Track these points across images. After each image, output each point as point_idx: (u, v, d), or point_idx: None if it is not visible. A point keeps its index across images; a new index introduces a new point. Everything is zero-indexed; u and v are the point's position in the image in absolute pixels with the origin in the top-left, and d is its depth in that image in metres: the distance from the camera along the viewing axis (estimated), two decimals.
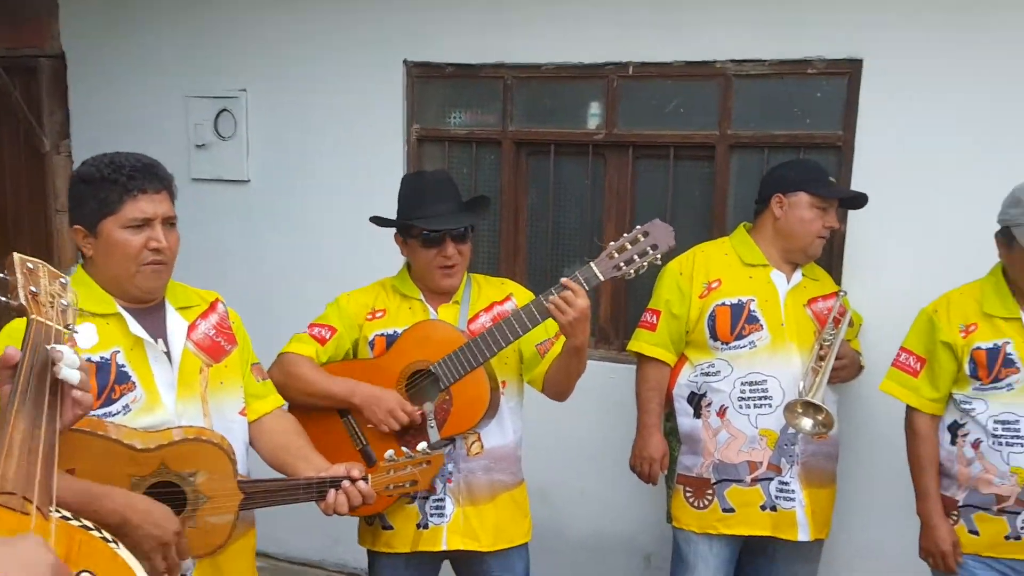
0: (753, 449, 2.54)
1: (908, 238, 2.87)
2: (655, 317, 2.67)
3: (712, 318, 2.57)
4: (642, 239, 2.09)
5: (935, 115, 2.81)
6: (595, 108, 3.28)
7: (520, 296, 2.39)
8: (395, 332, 2.28)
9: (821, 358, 2.50)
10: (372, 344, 2.31)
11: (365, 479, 1.93)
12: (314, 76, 3.53)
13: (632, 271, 2.09)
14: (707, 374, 2.60)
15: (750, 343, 2.54)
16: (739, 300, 2.56)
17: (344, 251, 3.53)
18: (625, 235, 2.10)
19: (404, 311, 2.32)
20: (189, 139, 3.72)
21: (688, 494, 2.64)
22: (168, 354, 1.83)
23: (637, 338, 2.71)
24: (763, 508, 2.54)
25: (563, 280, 2.06)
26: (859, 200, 2.63)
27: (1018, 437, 2.15)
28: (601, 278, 2.09)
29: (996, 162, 2.71)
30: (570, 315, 2.04)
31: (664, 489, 2.82)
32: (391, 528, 2.30)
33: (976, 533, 2.25)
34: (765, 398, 2.53)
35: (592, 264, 2.10)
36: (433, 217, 2.24)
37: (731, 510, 2.56)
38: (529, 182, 3.45)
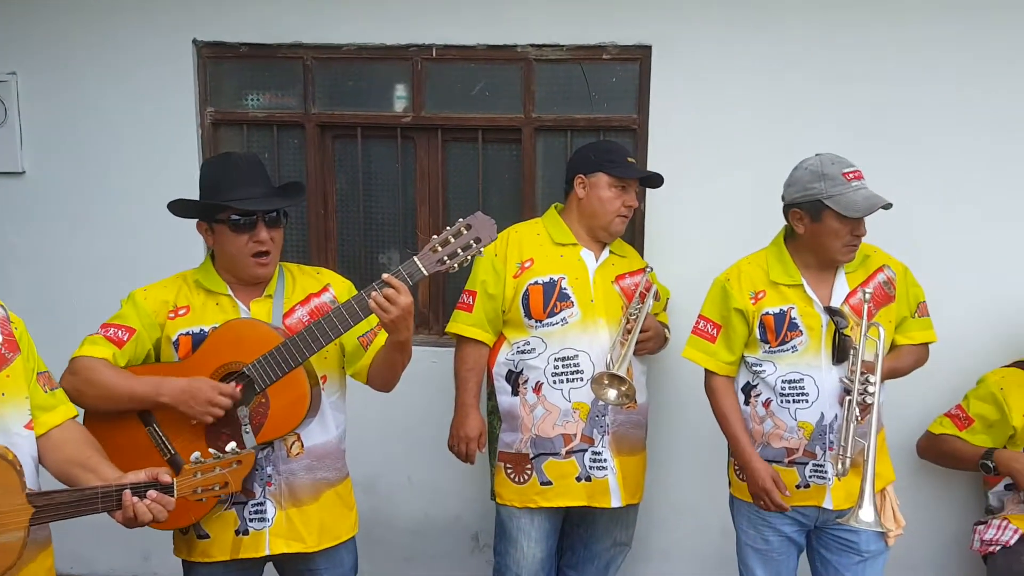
0: (567, 422, 2.66)
1: (701, 213, 3.10)
2: (471, 298, 2.71)
3: (526, 297, 2.65)
4: (465, 232, 2.08)
5: (720, 97, 3.04)
6: (401, 90, 3.25)
7: (337, 286, 2.34)
8: (202, 330, 2.16)
9: (627, 332, 2.65)
10: (176, 344, 2.17)
11: (169, 489, 1.81)
12: (94, 57, 3.26)
13: (456, 264, 2.08)
14: (523, 352, 2.68)
15: (562, 320, 2.64)
16: (551, 278, 2.66)
17: (136, 245, 3.31)
18: (448, 228, 2.09)
19: (211, 308, 2.19)
20: None
21: (509, 470, 2.72)
22: None
23: (455, 320, 2.75)
24: (578, 479, 2.67)
25: (385, 277, 2.03)
26: (655, 180, 2.80)
27: (803, 394, 2.38)
28: (425, 273, 2.07)
29: (776, 139, 2.98)
30: (393, 313, 2.02)
31: (488, 467, 2.89)
32: (207, 537, 2.19)
33: None
34: (577, 372, 2.64)
35: (415, 259, 2.07)
36: (244, 200, 2.13)
37: (549, 483, 2.67)
38: (336, 166, 3.38)
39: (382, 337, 2.26)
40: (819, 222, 2.32)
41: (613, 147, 2.80)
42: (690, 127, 3.06)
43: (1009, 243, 2.99)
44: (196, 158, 3.27)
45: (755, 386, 2.46)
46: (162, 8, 3.20)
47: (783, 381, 2.39)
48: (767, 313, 2.40)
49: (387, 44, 3.16)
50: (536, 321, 2.66)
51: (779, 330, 2.40)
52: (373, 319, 2.22)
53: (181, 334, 2.17)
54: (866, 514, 2.17)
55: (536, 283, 2.66)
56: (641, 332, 2.66)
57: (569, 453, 2.66)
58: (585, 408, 2.64)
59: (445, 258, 2.07)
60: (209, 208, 2.16)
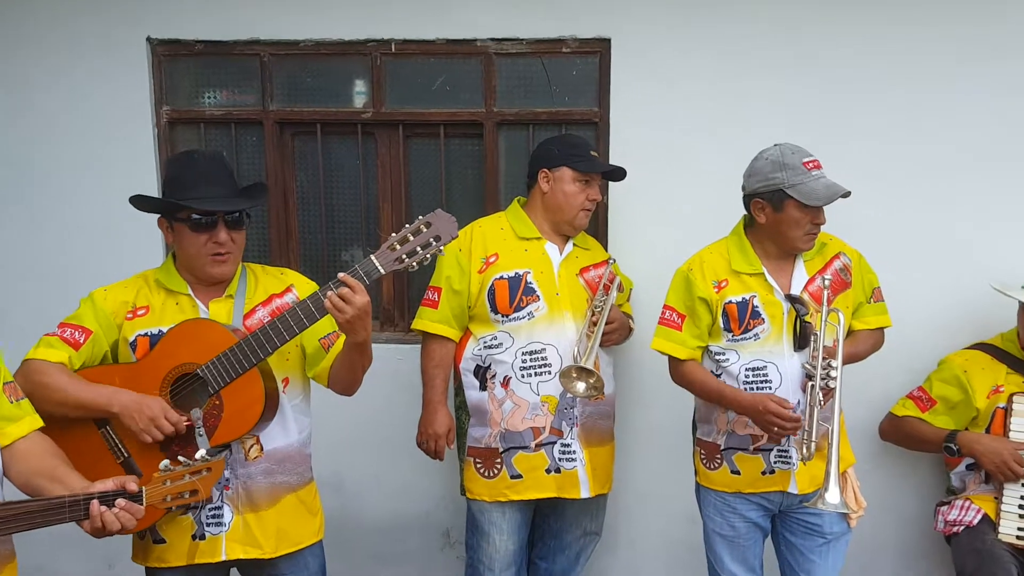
0: (536, 416, 2.67)
1: (664, 205, 3.13)
2: (436, 294, 2.71)
3: (492, 292, 2.66)
4: (424, 230, 2.06)
5: (680, 89, 3.07)
6: (360, 86, 3.24)
7: (301, 287, 2.31)
8: (160, 331, 2.14)
9: (593, 324, 2.67)
10: (134, 346, 2.14)
11: (138, 497, 1.79)
12: (43, 56, 3.20)
13: (415, 263, 2.06)
14: (490, 347, 2.69)
15: (528, 314, 2.66)
16: (516, 273, 2.67)
17: (91, 246, 3.26)
18: (407, 226, 2.07)
19: (171, 308, 2.17)
20: None
21: (478, 464, 2.73)
22: None
23: (420, 316, 2.75)
24: (548, 471, 2.68)
25: (340, 276, 2.01)
26: (618, 173, 2.82)
27: (766, 382, 2.42)
28: (383, 271, 2.05)
29: (735, 130, 3.02)
30: (348, 313, 1.99)
31: (458, 463, 2.89)
32: (163, 542, 2.17)
33: (738, 473, 2.50)
34: (545, 366, 2.66)
35: (373, 257, 2.05)
36: (205, 199, 2.11)
37: (519, 476, 2.69)
38: (296, 163, 3.35)
39: (343, 339, 2.24)
40: (781, 211, 2.35)
41: (577, 141, 2.82)
42: (651, 119, 3.09)
43: (965, 227, 3.05)
44: (153, 158, 3.23)
45: (719, 375, 2.49)
46: (114, 6, 3.16)
47: (747, 369, 2.43)
48: (730, 302, 2.44)
49: (345, 39, 3.15)
50: (502, 316, 2.66)
51: (742, 318, 2.43)
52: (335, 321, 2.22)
53: (139, 335, 2.14)
54: (832, 496, 2.21)
55: (501, 278, 2.67)
56: (606, 324, 2.68)
57: (539, 446, 2.68)
58: (554, 401, 2.66)
59: (404, 256, 2.05)
60: (169, 206, 2.13)
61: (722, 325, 2.45)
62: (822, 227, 2.40)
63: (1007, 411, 2.71)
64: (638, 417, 3.21)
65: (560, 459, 2.68)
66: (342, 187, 3.35)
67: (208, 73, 3.26)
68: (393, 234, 2.08)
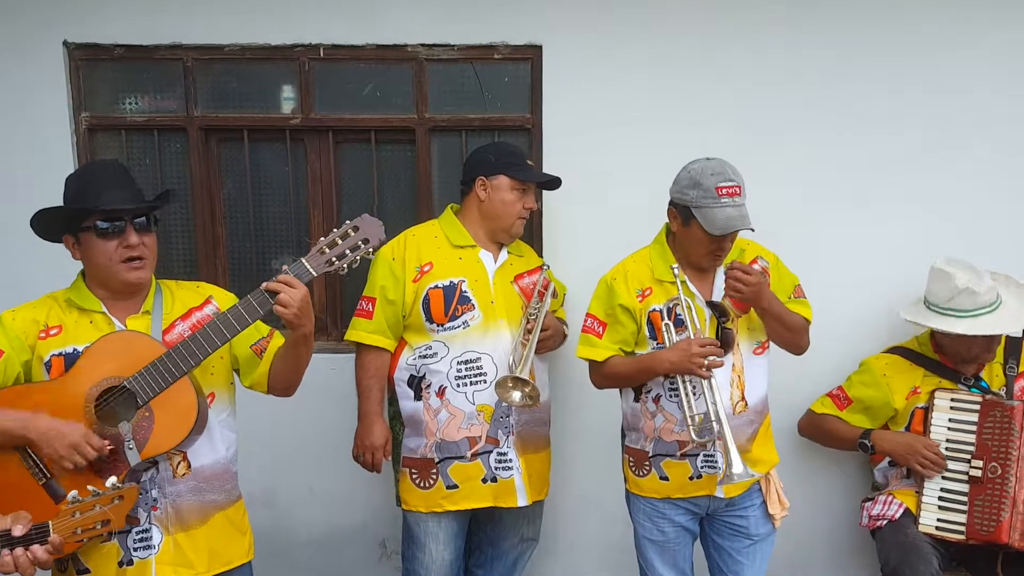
0: (472, 425, 2.71)
1: (596, 211, 3.21)
2: (371, 304, 2.74)
3: (426, 301, 2.69)
4: (352, 234, 2.11)
5: (610, 95, 3.16)
6: (288, 91, 3.25)
7: (220, 298, 2.31)
8: (75, 350, 2.10)
9: (528, 331, 2.73)
10: (48, 366, 2.10)
11: (44, 531, 1.76)
12: None
13: (345, 266, 2.12)
14: (425, 356, 2.72)
15: (463, 323, 2.70)
16: (451, 282, 2.71)
17: (4, 259, 3.19)
18: (335, 230, 2.13)
19: (84, 326, 2.13)
20: None
21: (414, 475, 2.77)
22: None
23: (354, 327, 2.77)
24: (484, 481, 2.73)
25: (280, 278, 2.05)
26: (555, 183, 2.88)
27: (696, 388, 2.45)
28: (314, 274, 2.10)
29: (662, 136, 3.13)
30: (294, 307, 2.04)
31: (393, 474, 2.92)
32: (88, 572, 2.13)
33: (666, 479, 2.56)
34: (480, 375, 2.70)
35: (303, 260, 2.10)
36: (108, 202, 2.08)
37: (455, 486, 2.73)
38: (223, 171, 3.34)
39: (277, 341, 2.27)
40: (687, 227, 2.43)
41: (513, 149, 2.87)
42: (582, 125, 3.17)
43: (886, 230, 3.20)
44: (72, 166, 3.18)
45: (650, 389, 2.55)
46: (28, 8, 3.09)
47: (672, 376, 2.48)
48: (654, 310, 2.50)
49: (272, 44, 3.15)
50: (438, 325, 2.70)
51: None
52: (263, 327, 2.23)
53: (53, 355, 2.10)
54: (736, 467, 2.32)
55: (436, 287, 2.70)
56: (542, 331, 2.73)
57: (475, 455, 2.72)
58: (489, 410, 2.71)
59: (333, 259, 2.11)
60: (73, 218, 2.09)
61: (647, 334, 2.51)
62: (728, 250, 2.46)
63: (928, 408, 2.86)
64: (575, 422, 3.29)
65: (496, 468, 2.73)
66: (271, 194, 3.35)
67: (129, 78, 3.22)
68: (322, 238, 2.14)
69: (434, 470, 2.74)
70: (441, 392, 2.71)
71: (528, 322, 2.74)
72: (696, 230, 2.40)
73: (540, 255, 3.20)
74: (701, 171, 2.39)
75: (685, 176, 2.44)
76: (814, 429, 3.11)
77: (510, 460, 2.74)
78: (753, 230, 2.38)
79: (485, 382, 2.70)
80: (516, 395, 2.62)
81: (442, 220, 2.86)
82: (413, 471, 2.77)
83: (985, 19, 3.07)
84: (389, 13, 3.11)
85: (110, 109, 3.23)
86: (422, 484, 2.76)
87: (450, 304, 2.70)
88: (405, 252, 2.75)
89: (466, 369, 2.70)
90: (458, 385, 2.70)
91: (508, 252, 2.84)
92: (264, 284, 2.06)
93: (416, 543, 2.83)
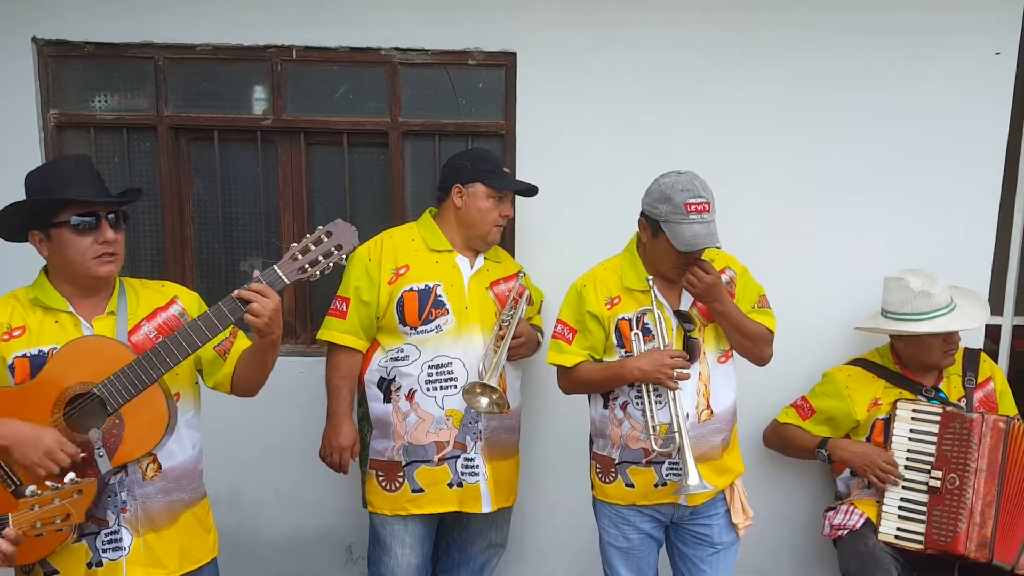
0: (440, 429, 2.74)
1: (570, 217, 3.25)
2: (344, 304, 2.74)
3: (400, 303, 2.71)
4: (326, 239, 2.11)
5: (584, 103, 3.19)
6: (260, 92, 3.25)
7: (185, 297, 2.31)
8: (41, 352, 2.09)
9: (500, 338, 2.75)
10: (12, 369, 2.08)
11: (4, 523, 1.76)
12: None
13: (317, 272, 2.12)
14: (396, 359, 2.74)
15: (436, 327, 2.72)
16: (426, 285, 2.72)
17: None
18: (308, 235, 2.12)
19: (49, 326, 2.12)
20: None
21: (380, 478, 2.79)
22: None
23: (327, 326, 2.77)
24: (450, 485, 2.76)
25: (252, 286, 2.05)
26: (531, 191, 2.91)
27: (661, 398, 2.50)
28: (286, 281, 2.09)
29: (635, 144, 3.17)
30: (265, 317, 2.05)
31: (360, 476, 2.94)
32: (56, 573, 2.14)
33: (632, 486, 2.58)
34: (451, 380, 2.72)
35: (276, 267, 2.09)
36: (84, 195, 2.07)
37: (420, 490, 2.75)
38: (193, 171, 3.33)
39: (241, 342, 2.28)
40: (656, 239, 2.47)
41: (489, 156, 2.89)
42: (556, 132, 3.20)
43: (849, 242, 3.27)
44: (39, 163, 3.13)
45: (616, 396, 2.58)
46: None
47: (639, 384, 2.51)
48: (623, 319, 2.53)
49: (244, 45, 3.15)
50: (411, 328, 2.71)
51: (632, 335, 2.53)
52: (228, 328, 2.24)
53: (16, 357, 2.08)
54: (692, 479, 2.37)
55: (411, 290, 2.72)
56: (514, 338, 2.76)
57: (442, 460, 2.74)
58: (458, 415, 2.73)
59: (306, 266, 2.11)
60: (44, 212, 2.07)
61: (615, 342, 2.54)
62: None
63: (889, 419, 2.92)
64: (545, 428, 3.33)
65: (463, 473, 2.76)
66: (241, 195, 3.35)
67: (99, 76, 3.20)
68: (294, 244, 2.13)
69: (400, 473, 2.75)
70: (411, 395, 2.73)
71: (500, 329, 2.77)
72: (664, 243, 2.44)
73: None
74: (671, 186, 2.41)
75: (656, 189, 2.47)
76: (777, 439, 3.18)
77: (477, 466, 2.76)
78: (719, 247, 2.42)
79: (455, 387, 2.72)
80: (483, 401, 2.65)
81: (420, 223, 2.87)
82: (380, 473, 2.78)
83: (946, 38, 3.15)
84: (363, 16, 3.12)
85: (79, 107, 3.21)
86: (388, 487, 2.77)
87: (424, 307, 2.71)
88: (382, 254, 2.76)
89: (437, 373, 2.72)
90: (428, 389, 2.72)
91: (485, 258, 2.86)
92: (236, 292, 2.06)
93: (382, 546, 2.85)
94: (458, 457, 2.75)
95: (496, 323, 2.78)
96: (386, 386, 2.76)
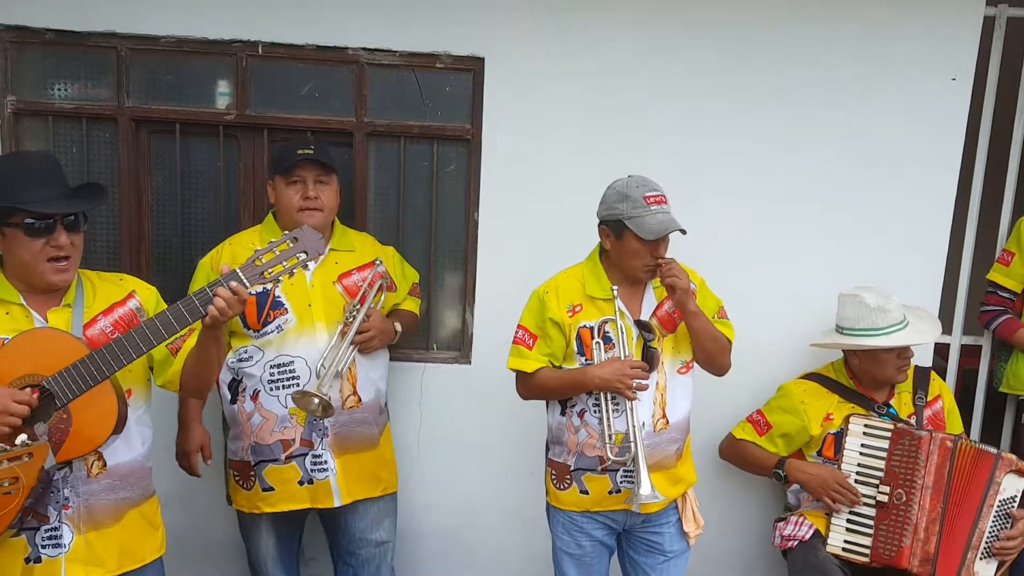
0: (285, 428, 2.79)
1: (531, 222, 3.29)
2: None
3: None
4: (291, 245, 2.13)
5: (550, 110, 3.24)
6: (224, 87, 3.24)
7: (142, 292, 2.31)
8: None
9: (343, 334, 2.79)
10: None
11: None
12: None
13: (279, 277, 2.13)
14: (242, 360, 2.80)
15: (277, 327, 2.77)
16: (264, 288, 2.70)
17: None
18: (272, 240, 2.13)
19: (0, 318, 2.11)
20: None
21: (236, 476, 2.88)
22: None
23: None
24: (300, 483, 2.82)
25: (217, 290, 2.05)
26: (315, 158, 2.80)
27: (618, 407, 2.55)
28: (248, 285, 2.10)
29: (600, 151, 3.22)
30: (230, 314, 2.07)
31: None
32: None
33: (586, 492, 2.62)
34: (293, 378, 2.77)
35: (238, 270, 2.10)
36: (40, 201, 2.07)
37: (271, 489, 2.82)
38: (153, 164, 3.31)
39: (191, 341, 2.27)
40: (621, 241, 2.52)
41: (283, 147, 2.91)
42: (521, 138, 3.24)
43: (806, 256, 3.36)
44: None
45: (574, 404, 2.62)
46: None
47: (597, 393, 2.55)
48: (584, 326, 2.57)
49: (209, 38, 3.14)
50: (253, 331, 2.77)
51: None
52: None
53: None
54: (644, 489, 2.43)
55: (249, 293, 2.71)
56: (361, 332, 2.80)
57: (289, 458, 2.80)
58: (303, 413, 2.77)
59: (268, 271, 2.11)
60: (1, 210, 2.08)
61: (576, 350, 2.58)
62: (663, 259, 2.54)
63: (840, 433, 3.00)
64: (501, 434, 3.37)
65: (312, 470, 2.81)
66: (201, 190, 3.33)
67: (60, 64, 3.17)
68: (257, 248, 2.14)
69: (251, 472, 2.84)
70: (255, 396, 2.79)
71: (345, 324, 2.80)
72: (631, 241, 2.49)
73: (473, 266, 3.26)
74: (626, 185, 2.51)
75: (611, 193, 2.54)
76: (733, 454, 3.24)
77: (325, 462, 2.82)
78: (685, 232, 2.48)
79: (298, 385, 2.76)
80: (314, 402, 2.68)
81: (264, 224, 2.92)
82: (235, 473, 2.89)
83: (904, 63, 3.25)
84: (332, 15, 3.14)
85: (38, 94, 3.18)
86: (244, 485, 2.87)
87: (262, 310, 2.76)
88: (220, 259, 2.80)
89: (279, 372, 2.77)
90: (271, 388, 2.77)
91: (331, 249, 2.86)
92: (214, 289, 2.06)
93: (248, 540, 3.01)
94: (305, 455, 2.81)
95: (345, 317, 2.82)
96: (234, 387, 2.83)
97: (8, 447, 1.82)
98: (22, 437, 1.86)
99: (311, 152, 2.80)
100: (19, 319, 2.11)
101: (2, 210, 2.07)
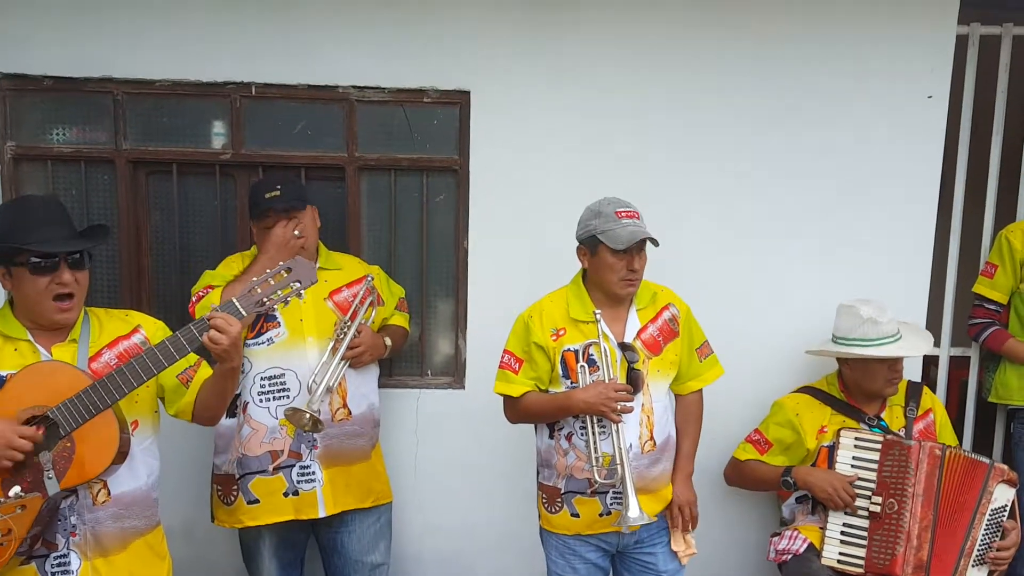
0: (275, 439, 2.88)
1: (518, 249, 3.40)
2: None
3: None
4: (286, 275, 2.23)
5: (535, 140, 3.36)
6: (219, 127, 3.36)
7: (149, 327, 2.41)
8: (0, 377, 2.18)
9: (334, 350, 2.89)
10: None
11: None
12: None
13: (275, 306, 2.23)
14: None
15: (268, 340, 2.88)
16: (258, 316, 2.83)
17: None
18: (268, 271, 2.24)
19: (8, 354, 2.22)
20: None
21: (219, 491, 2.94)
22: None
23: None
24: (286, 495, 2.89)
25: (212, 316, 2.15)
26: (281, 202, 2.90)
27: (602, 427, 2.60)
28: (244, 314, 2.20)
29: (585, 179, 3.32)
30: (225, 343, 2.15)
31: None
32: None
33: (577, 515, 2.67)
34: (284, 390, 2.87)
35: (234, 300, 2.20)
36: (44, 242, 2.19)
37: (256, 501, 2.89)
38: (151, 203, 3.43)
39: (204, 372, 2.38)
40: (596, 256, 2.61)
41: (252, 190, 2.99)
42: (508, 167, 3.36)
43: (797, 272, 3.46)
44: None
45: (557, 421, 2.68)
46: None
47: (583, 415, 2.61)
48: (568, 350, 2.63)
49: (204, 81, 3.27)
50: (245, 341, 2.85)
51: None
52: (191, 356, 2.34)
53: None
54: (632, 511, 2.49)
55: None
56: (351, 348, 2.90)
57: (276, 469, 2.88)
58: (292, 425, 2.85)
59: (264, 300, 2.21)
60: (6, 251, 2.19)
61: (561, 373, 2.64)
62: (640, 274, 2.63)
63: (833, 447, 3.07)
64: (493, 458, 3.45)
65: (298, 481, 2.89)
66: (199, 228, 3.45)
67: (58, 109, 3.30)
68: (254, 279, 2.24)
69: (235, 486, 2.90)
70: (244, 407, 2.88)
71: (336, 340, 2.90)
72: (605, 255, 2.58)
73: (464, 291, 3.36)
74: (599, 204, 2.63)
75: (586, 213, 2.66)
76: (739, 476, 3.29)
77: (313, 473, 2.90)
78: (657, 243, 2.57)
79: (288, 397, 2.86)
80: (304, 417, 2.77)
81: (253, 249, 3.04)
82: (219, 487, 2.94)
83: (882, 82, 3.37)
84: (321, 55, 3.27)
85: (37, 139, 3.30)
86: (225, 500, 2.93)
87: (257, 322, 2.87)
88: (225, 274, 2.92)
89: (269, 384, 2.87)
90: (260, 400, 2.87)
91: (320, 268, 2.91)
92: (193, 323, 2.16)
93: (248, 553, 3.05)
94: (293, 466, 2.88)
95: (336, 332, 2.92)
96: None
97: (2, 500, 1.90)
98: (15, 489, 1.93)
99: (277, 194, 2.90)
100: (27, 355, 2.22)
101: (9, 251, 2.18)
